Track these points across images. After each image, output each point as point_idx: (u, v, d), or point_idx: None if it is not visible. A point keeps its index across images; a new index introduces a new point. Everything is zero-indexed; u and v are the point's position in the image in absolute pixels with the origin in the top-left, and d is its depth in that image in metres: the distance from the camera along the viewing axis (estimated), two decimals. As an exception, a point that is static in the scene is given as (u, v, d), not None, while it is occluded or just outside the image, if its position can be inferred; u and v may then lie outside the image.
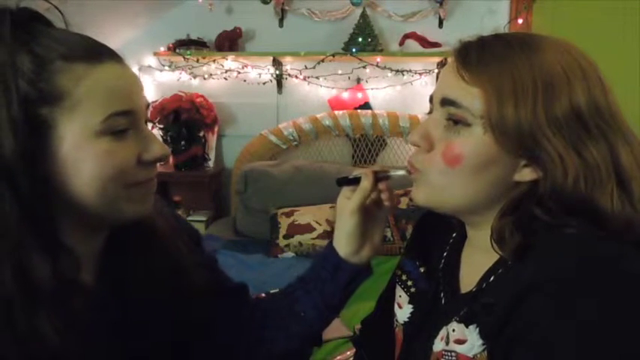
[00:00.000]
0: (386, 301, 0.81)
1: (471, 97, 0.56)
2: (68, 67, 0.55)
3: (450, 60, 0.61)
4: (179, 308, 0.69)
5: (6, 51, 0.52)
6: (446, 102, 0.58)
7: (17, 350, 0.51)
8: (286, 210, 2.49)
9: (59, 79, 0.54)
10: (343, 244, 0.72)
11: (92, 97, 0.55)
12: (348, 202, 0.71)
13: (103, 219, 0.62)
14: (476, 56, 0.56)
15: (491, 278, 0.59)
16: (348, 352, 1.41)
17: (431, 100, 0.63)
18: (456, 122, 0.57)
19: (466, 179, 0.57)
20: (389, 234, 2.37)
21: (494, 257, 0.59)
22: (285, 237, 2.37)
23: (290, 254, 2.34)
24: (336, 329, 1.60)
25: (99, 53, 0.58)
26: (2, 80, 0.52)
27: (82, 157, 0.56)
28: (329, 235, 2.34)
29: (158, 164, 0.64)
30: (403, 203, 2.49)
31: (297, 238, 2.35)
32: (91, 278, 0.64)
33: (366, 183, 0.69)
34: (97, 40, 0.61)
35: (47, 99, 0.54)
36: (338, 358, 1.41)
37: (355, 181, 0.70)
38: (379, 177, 0.70)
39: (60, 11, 0.63)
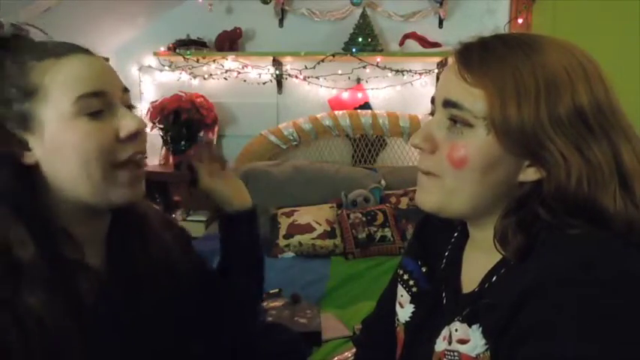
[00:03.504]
0: (387, 301, 0.81)
1: (473, 99, 0.56)
2: (39, 65, 0.62)
3: (450, 61, 0.60)
4: (174, 294, 0.75)
5: None
6: (448, 104, 0.58)
7: (19, 331, 0.55)
8: (286, 210, 2.49)
9: (32, 76, 0.61)
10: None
11: (59, 84, 0.62)
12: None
13: (95, 203, 0.65)
14: (478, 57, 0.56)
15: (494, 278, 0.59)
16: (348, 353, 1.40)
17: (432, 101, 0.63)
18: (459, 123, 0.57)
19: (473, 181, 0.57)
20: (389, 234, 2.36)
21: (497, 257, 0.59)
22: (285, 237, 2.37)
23: (290, 254, 2.33)
24: (336, 329, 1.60)
25: (65, 49, 0.65)
26: None
27: (63, 140, 0.61)
28: (329, 235, 2.34)
29: (145, 150, 0.69)
30: (403, 203, 2.49)
31: (297, 238, 2.35)
32: (98, 262, 0.69)
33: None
34: (72, 43, 0.67)
35: (25, 95, 0.61)
36: (338, 358, 1.41)
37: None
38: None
39: (42, 30, 0.71)
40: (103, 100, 0.64)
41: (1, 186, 0.60)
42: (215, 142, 3.01)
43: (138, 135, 0.66)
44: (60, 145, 0.61)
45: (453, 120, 0.58)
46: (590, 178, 0.52)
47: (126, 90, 0.69)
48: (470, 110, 0.56)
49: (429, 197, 0.62)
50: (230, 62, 2.91)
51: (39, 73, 0.61)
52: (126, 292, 0.69)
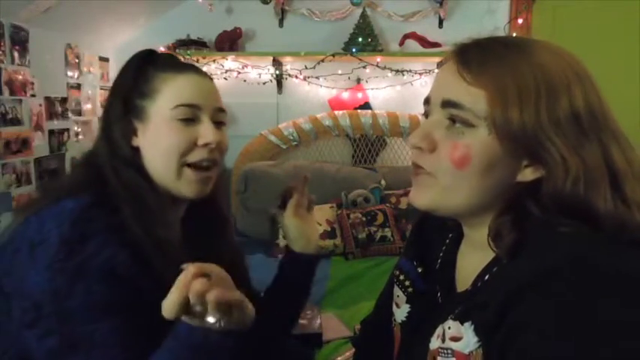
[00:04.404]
0: (384, 301, 0.81)
1: (474, 99, 0.55)
2: (162, 75, 0.82)
3: (448, 61, 0.60)
4: None
5: (132, 76, 0.83)
6: (447, 104, 0.58)
7: (155, 249, 0.73)
8: (286, 210, 2.49)
9: (154, 82, 0.82)
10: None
11: (167, 92, 0.81)
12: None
13: (169, 190, 0.82)
14: (476, 57, 0.56)
15: (487, 277, 0.59)
16: (348, 353, 1.41)
17: (426, 102, 0.63)
18: (459, 123, 0.57)
19: (474, 181, 0.57)
20: (389, 234, 2.36)
21: (490, 256, 0.59)
22: (285, 237, 2.37)
23: (290, 254, 2.34)
24: (336, 329, 1.60)
25: (184, 68, 0.84)
26: (124, 90, 0.82)
27: (158, 133, 0.80)
28: (329, 235, 2.34)
29: (217, 158, 0.84)
30: (403, 203, 2.49)
31: (297, 238, 2.35)
32: (178, 239, 0.84)
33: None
34: (194, 65, 0.87)
35: (146, 94, 0.81)
36: (338, 358, 1.41)
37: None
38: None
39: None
40: (195, 111, 0.81)
41: (125, 153, 0.79)
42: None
43: (212, 146, 0.81)
44: (154, 137, 0.80)
45: (452, 120, 0.58)
46: (585, 178, 0.52)
47: (221, 110, 0.85)
48: (471, 110, 0.56)
49: (423, 195, 0.62)
50: (230, 62, 2.92)
51: (159, 81, 0.81)
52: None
